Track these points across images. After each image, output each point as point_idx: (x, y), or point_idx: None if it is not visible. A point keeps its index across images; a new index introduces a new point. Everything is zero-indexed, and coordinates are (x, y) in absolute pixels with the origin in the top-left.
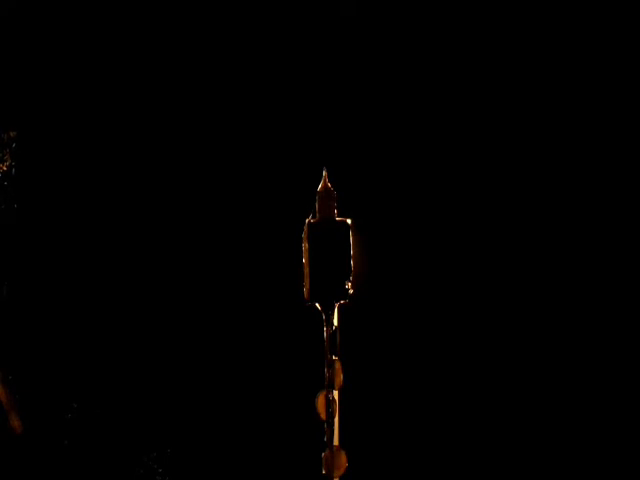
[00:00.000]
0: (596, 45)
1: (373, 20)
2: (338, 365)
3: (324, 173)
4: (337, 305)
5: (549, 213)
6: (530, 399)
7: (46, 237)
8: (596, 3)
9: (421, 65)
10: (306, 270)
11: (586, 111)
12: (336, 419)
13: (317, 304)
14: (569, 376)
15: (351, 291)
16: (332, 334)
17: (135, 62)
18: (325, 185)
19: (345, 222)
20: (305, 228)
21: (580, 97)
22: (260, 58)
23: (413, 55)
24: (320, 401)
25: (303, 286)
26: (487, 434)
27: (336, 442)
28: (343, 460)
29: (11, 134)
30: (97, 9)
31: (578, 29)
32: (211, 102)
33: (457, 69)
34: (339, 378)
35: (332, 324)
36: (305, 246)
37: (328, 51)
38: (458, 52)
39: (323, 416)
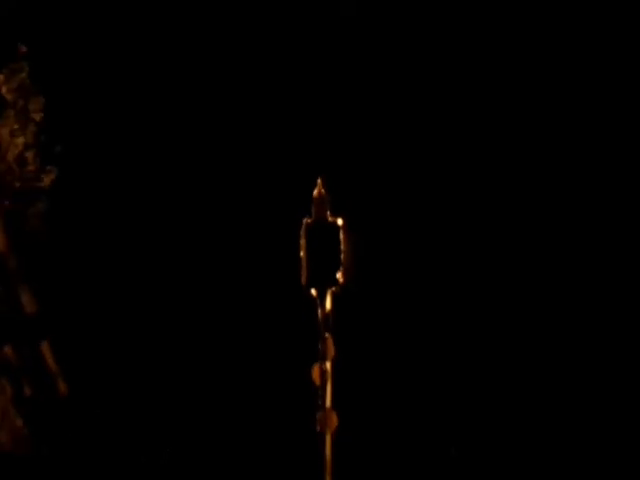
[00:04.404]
0: (596, 45)
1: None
2: (330, 341)
3: (319, 182)
4: (329, 291)
5: (526, 200)
6: (510, 370)
7: (73, 240)
8: (596, 3)
9: (409, 76)
10: (303, 262)
11: (586, 111)
12: (328, 385)
13: (313, 290)
14: (553, 359)
15: (341, 280)
16: (325, 315)
17: (139, 68)
18: (320, 192)
19: (336, 222)
20: (302, 227)
21: (580, 97)
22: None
23: (403, 66)
24: (315, 370)
25: (301, 275)
26: (463, 392)
27: (328, 404)
28: (334, 419)
29: (57, 148)
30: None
31: (578, 29)
32: (219, 117)
33: (445, 77)
34: (331, 351)
35: (325, 307)
36: (302, 242)
37: (325, 61)
38: (446, 58)
39: (317, 383)
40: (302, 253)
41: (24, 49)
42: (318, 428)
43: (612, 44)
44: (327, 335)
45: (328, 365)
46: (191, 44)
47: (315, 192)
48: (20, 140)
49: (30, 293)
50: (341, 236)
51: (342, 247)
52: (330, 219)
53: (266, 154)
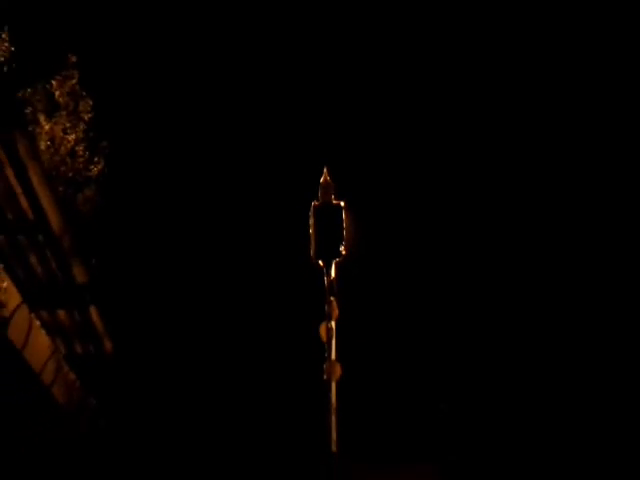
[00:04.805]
0: (596, 45)
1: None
2: (334, 303)
3: (325, 171)
4: (334, 262)
5: (519, 190)
6: (498, 328)
7: (117, 220)
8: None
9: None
10: (312, 238)
11: (585, 111)
12: (333, 341)
13: (320, 261)
14: (539, 322)
15: (343, 252)
16: (330, 282)
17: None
18: (325, 179)
19: (339, 205)
20: (311, 209)
21: (580, 97)
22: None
23: (401, 64)
24: (322, 329)
25: (310, 249)
26: (453, 348)
27: (333, 357)
28: (338, 370)
29: (103, 143)
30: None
31: (578, 29)
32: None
33: (443, 73)
34: (335, 312)
35: (330, 275)
36: (311, 221)
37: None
38: (445, 52)
39: (324, 339)
40: (311, 230)
41: (74, 59)
42: (325, 376)
43: (612, 44)
44: (332, 299)
45: (333, 324)
46: (210, 48)
47: (322, 180)
48: (72, 137)
49: (81, 266)
50: (343, 216)
51: (344, 225)
52: (334, 202)
53: (284, 151)
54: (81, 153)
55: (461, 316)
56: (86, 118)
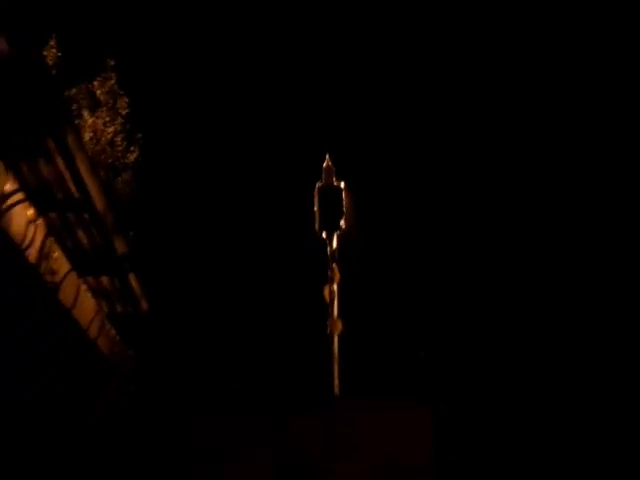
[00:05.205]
0: (595, 45)
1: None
2: (336, 269)
3: (327, 157)
4: (335, 234)
5: (520, 182)
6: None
7: (151, 200)
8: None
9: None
10: (316, 214)
11: (585, 111)
12: (335, 301)
13: (323, 234)
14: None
15: (343, 226)
16: (332, 251)
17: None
18: (328, 164)
19: (339, 186)
20: (315, 189)
21: (580, 97)
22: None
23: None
24: (326, 290)
25: (315, 223)
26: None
27: (335, 314)
28: (339, 325)
29: (138, 135)
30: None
31: (578, 29)
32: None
33: (437, 66)
34: (337, 276)
35: (332, 245)
36: (316, 200)
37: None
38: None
39: (327, 300)
40: (315, 208)
41: (112, 62)
42: (328, 331)
43: (612, 44)
44: (334, 265)
45: (335, 287)
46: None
47: (325, 164)
48: (111, 129)
49: (121, 239)
50: (343, 195)
51: (344, 203)
52: (335, 183)
53: (293, 140)
54: (119, 143)
55: (454, 278)
56: (123, 113)
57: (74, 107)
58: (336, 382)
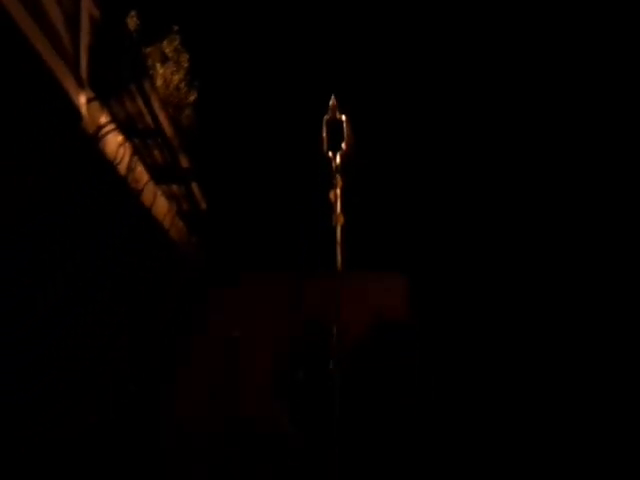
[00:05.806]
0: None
1: None
2: (339, 179)
3: (332, 97)
4: (338, 153)
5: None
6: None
7: (211, 131)
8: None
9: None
10: (324, 138)
11: (586, 111)
12: (338, 202)
13: (330, 152)
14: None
15: (345, 147)
16: (336, 166)
17: None
18: (333, 102)
19: (342, 118)
20: (324, 121)
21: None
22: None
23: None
24: (331, 194)
25: (323, 144)
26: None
27: (338, 210)
28: (342, 219)
29: (195, 82)
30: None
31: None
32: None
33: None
34: (340, 183)
35: (336, 161)
36: (324, 128)
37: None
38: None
39: (332, 200)
40: (324, 134)
41: (176, 28)
42: (333, 223)
43: (612, 44)
44: (337, 176)
45: (338, 191)
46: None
47: (331, 102)
48: (176, 77)
49: (185, 157)
50: (345, 125)
51: (345, 131)
52: (338, 116)
53: (305, 85)
54: (182, 88)
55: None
56: (185, 66)
57: (149, 61)
58: (339, 259)
